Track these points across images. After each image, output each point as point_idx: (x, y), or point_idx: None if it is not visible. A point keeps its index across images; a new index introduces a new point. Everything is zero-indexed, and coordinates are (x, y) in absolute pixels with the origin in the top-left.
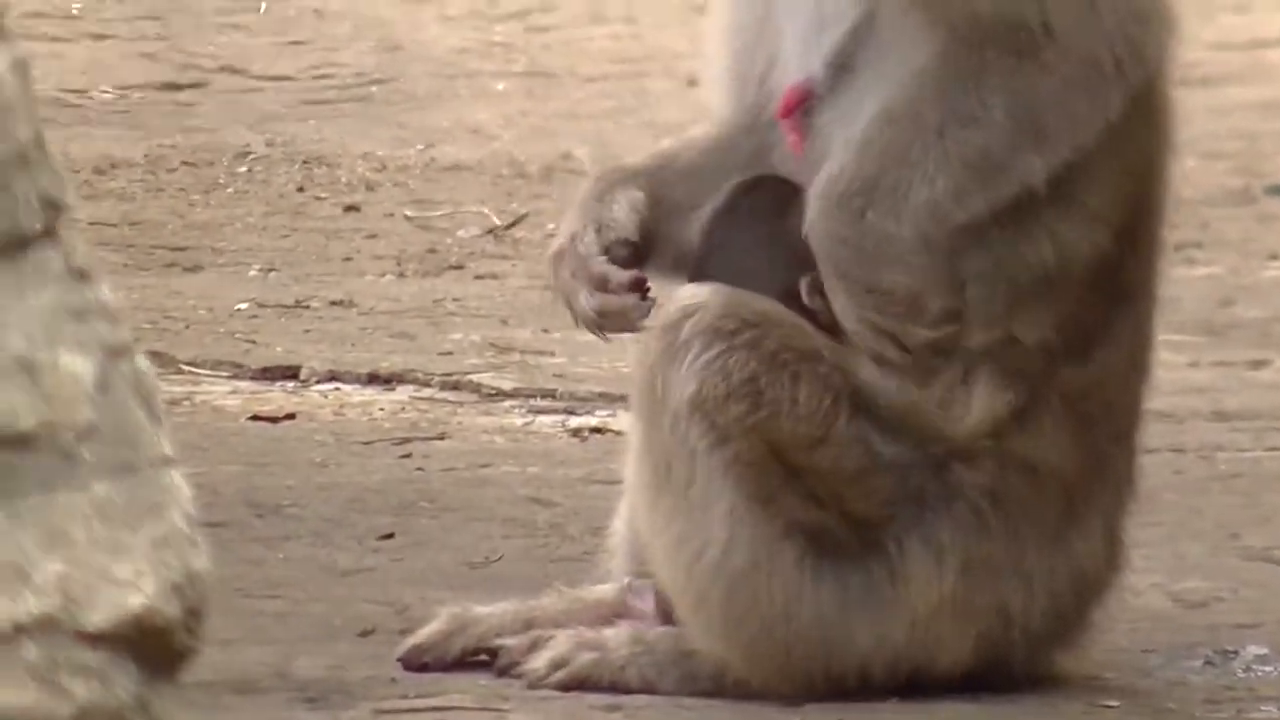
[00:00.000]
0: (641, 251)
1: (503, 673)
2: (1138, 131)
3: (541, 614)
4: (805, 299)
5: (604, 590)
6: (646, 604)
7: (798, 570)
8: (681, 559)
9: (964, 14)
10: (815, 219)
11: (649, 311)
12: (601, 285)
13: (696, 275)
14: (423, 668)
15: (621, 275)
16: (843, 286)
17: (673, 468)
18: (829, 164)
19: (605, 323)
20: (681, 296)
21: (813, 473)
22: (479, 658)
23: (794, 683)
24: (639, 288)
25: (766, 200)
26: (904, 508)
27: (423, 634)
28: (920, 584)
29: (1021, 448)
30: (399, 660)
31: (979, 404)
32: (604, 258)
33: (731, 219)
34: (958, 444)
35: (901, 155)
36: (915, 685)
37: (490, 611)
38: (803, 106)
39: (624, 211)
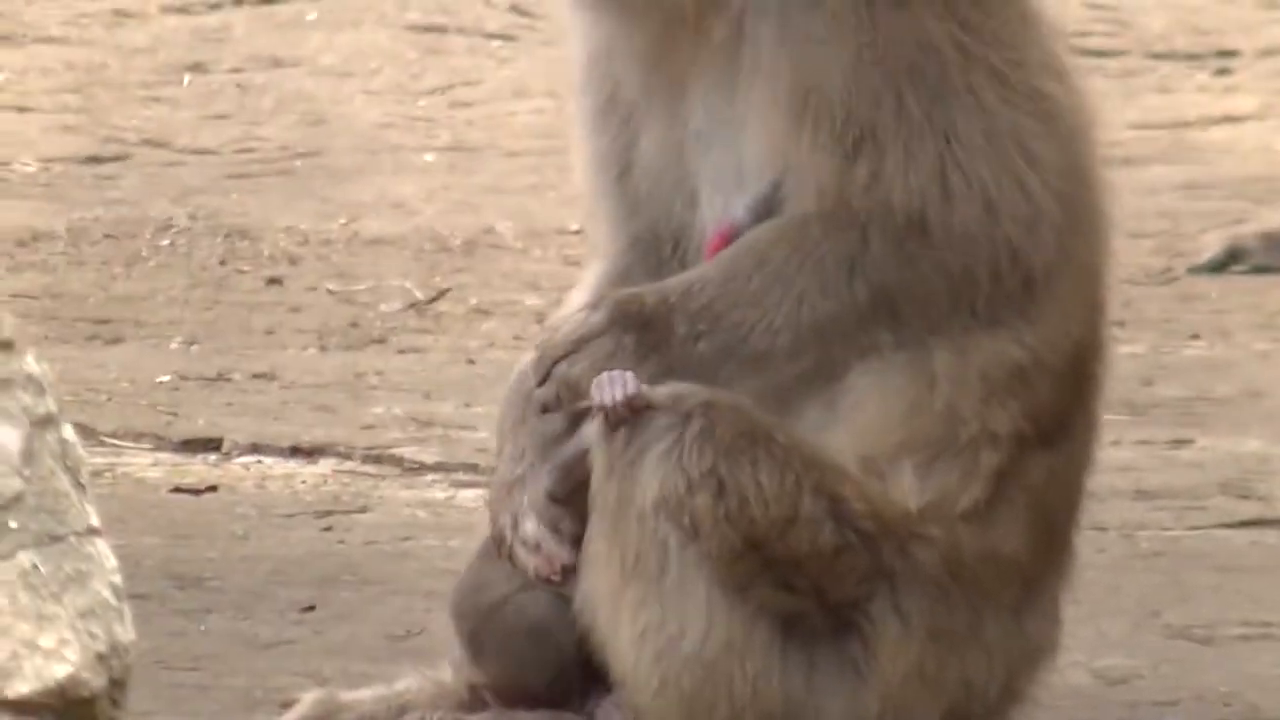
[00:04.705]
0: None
1: None
2: (1083, 246)
3: (414, 698)
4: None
5: (459, 670)
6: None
7: (769, 653)
8: (650, 647)
9: (873, 200)
10: (660, 310)
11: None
12: (553, 526)
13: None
14: None
15: (571, 526)
16: (636, 364)
17: (641, 561)
18: (694, 272)
19: (536, 561)
20: (622, 394)
21: (789, 560)
22: None
23: None
24: (577, 542)
25: None
26: (875, 584)
27: (291, 718)
28: (890, 653)
29: (983, 535)
30: None
31: (945, 494)
32: (557, 504)
33: None
34: (922, 529)
35: (756, 300)
36: None
37: (358, 697)
38: (727, 245)
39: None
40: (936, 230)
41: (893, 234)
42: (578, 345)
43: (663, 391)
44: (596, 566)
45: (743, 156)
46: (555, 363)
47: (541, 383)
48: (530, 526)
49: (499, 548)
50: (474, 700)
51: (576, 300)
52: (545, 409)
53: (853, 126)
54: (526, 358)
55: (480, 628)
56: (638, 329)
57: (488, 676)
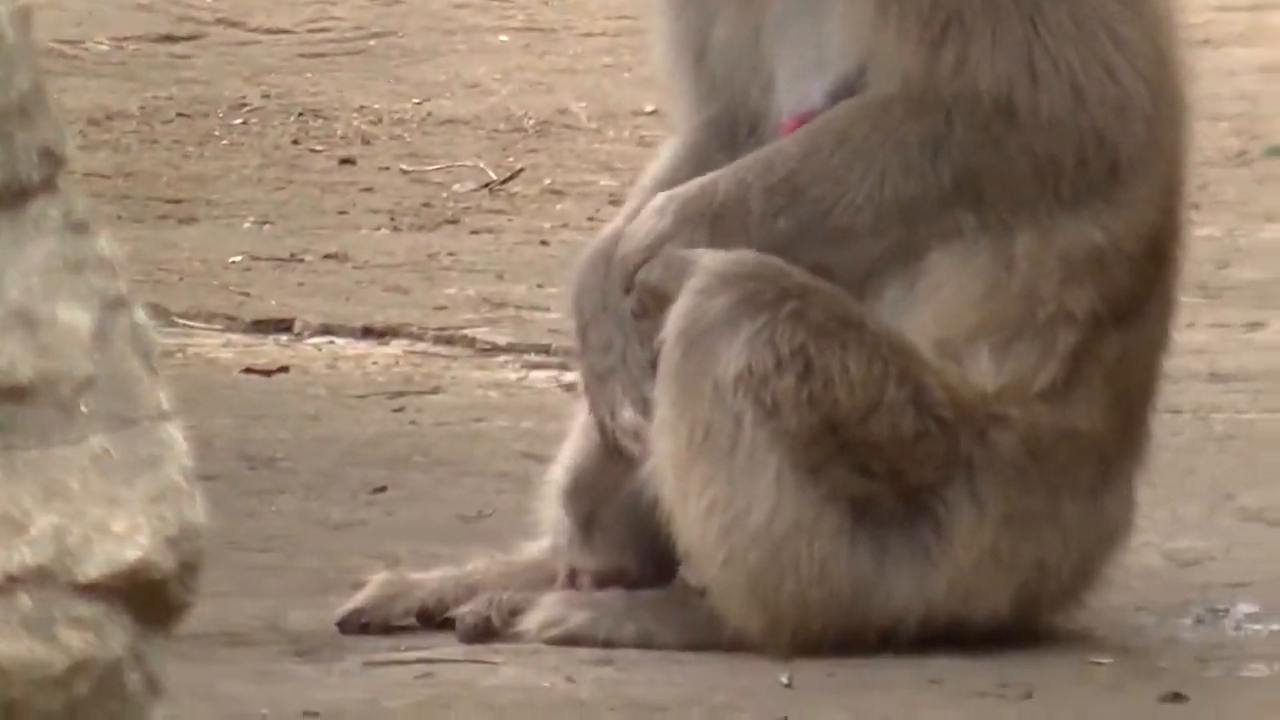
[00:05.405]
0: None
1: (469, 638)
2: (1167, 131)
3: (483, 578)
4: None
5: (537, 550)
6: None
7: (839, 535)
8: (716, 523)
9: (959, 85)
10: (734, 193)
11: None
12: (646, 409)
13: None
14: (362, 630)
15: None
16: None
17: (712, 435)
18: (771, 148)
19: (639, 447)
20: (711, 264)
21: (867, 444)
22: (411, 622)
23: (806, 639)
24: None
25: None
26: (952, 470)
27: (360, 598)
28: (963, 536)
29: (1061, 414)
30: (337, 624)
31: (1021, 375)
32: (652, 382)
33: None
34: (1000, 410)
35: (838, 176)
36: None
37: (426, 577)
38: None
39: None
40: (1024, 114)
41: (979, 118)
42: (651, 251)
43: (751, 267)
44: (663, 434)
45: (823, 43)
46: (635, 270)
47: (627, 292)
48: (628, 415)
49: (602, 438)
50: (568, 584)
51: (651, 175)
52: (635, 316)
53: (939, 12)
54: (594, 242)
55: (596, 510)
56: (710, 223)
57: (595, 560)
